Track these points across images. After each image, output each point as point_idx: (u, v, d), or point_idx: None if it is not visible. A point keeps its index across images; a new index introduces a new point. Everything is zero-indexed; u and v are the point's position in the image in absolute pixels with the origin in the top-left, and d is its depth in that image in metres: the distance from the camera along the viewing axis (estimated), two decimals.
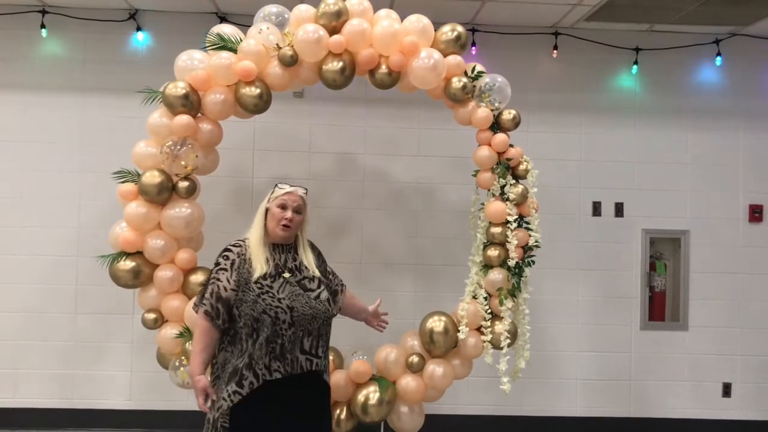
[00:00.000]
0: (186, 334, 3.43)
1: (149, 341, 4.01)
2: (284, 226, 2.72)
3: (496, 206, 3.59)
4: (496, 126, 3.62)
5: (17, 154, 4.47)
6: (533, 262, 3.69)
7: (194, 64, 3.46)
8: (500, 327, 3.58)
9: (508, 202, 3.58)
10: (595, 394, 4.70)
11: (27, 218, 4.46)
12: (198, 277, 3.50)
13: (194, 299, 3.34)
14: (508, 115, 3.61)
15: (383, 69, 3.45)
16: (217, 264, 2.69)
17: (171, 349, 3.50)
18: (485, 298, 3.64)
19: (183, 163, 3.37)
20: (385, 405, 3.57)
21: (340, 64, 3.41)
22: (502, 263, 3.62)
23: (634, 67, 4.70)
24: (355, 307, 3.12)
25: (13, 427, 4.39)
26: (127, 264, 3.44)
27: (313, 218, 2.95)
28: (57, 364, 4.46)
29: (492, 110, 3.58)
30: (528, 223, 3.66)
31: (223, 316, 2.63)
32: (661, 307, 4.82)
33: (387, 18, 3.45)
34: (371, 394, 3.57)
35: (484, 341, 3.60)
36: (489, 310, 3.62)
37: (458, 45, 3.54)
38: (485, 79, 3.58)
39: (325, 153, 4.63)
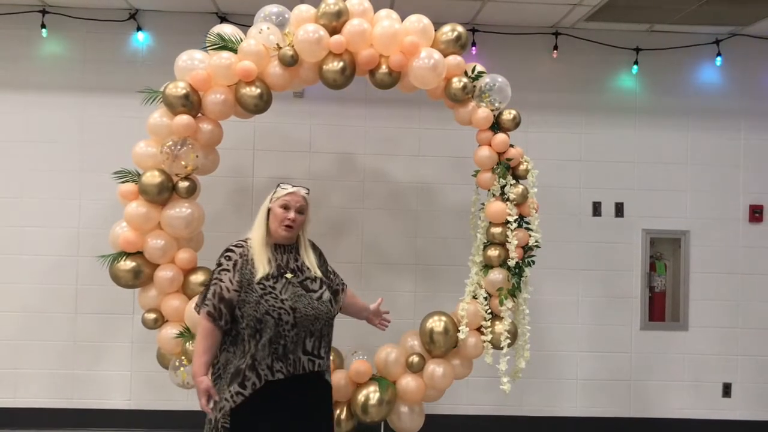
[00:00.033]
0: (186, 334, 3.43)
1: (149, 341, 4.02)
2: (287, 226, 2.72)
3: (496, 206, 3.59)
4: (497, 126, 3.62)
5: (17, 154, 4.47)
6: (533, 262, 3.69)
7: (194, 64, 3.46)
8: (500, 327, 3.58)
9: (508, 202, 3.58)
10: (595, 394, 4.70)
11: (27, 218, 4.46)
12: (198, 277, 3.50)
13: (195, 299, 3.35)
14: (508, 115, 3.61)
15: (383, 69, 3.45)
16: (219, 264, 2.68)
17: (171, 349, 3.50)
18: (485, 298, 3.64)
19: (183, 163, 3.37)
20: (385, 405, 3.57)
21: (341, 64, 3.41)
22: (503, 263, 3.62)
23: (635, 67, 4.70)
24: (356, 305, 3.12)
25: (13, 427, 4.39)
26: (127, 264, 3.44)
27: (313, 218, 2.95)
28: (57, 364, 4.46)
29: (492, 110, 3.58)
30: (528, 223, 3.66)
31: (226, 317, 2.62)
32: (661, 308, 4.82)
33: (387, 18, 3.45)
34: (371, 394, 3.57)
35: (484, 341, 3.60)
36: (489, 310, 3.62)
37: (458, 45, 3.54)
38: (485, 79, 3.58)
39: (325, 153, 4.62)
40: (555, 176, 4.61)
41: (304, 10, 3.47)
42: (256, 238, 2.73)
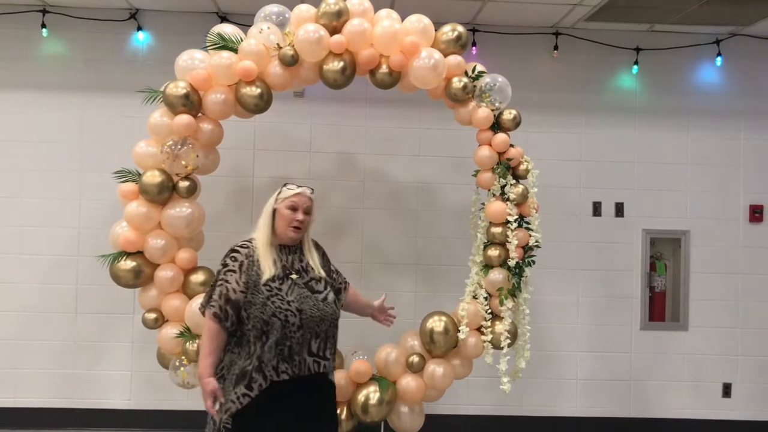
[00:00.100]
0: (186, 334, 3.43)
1: (149, 341, 4.01)
2: (296, 227, 2.71)
3: (496, 206, 3.59)
4: (497, 126, 3.62)
5: (17, 154, 4.47)
6: (533, 262, 3.69)
7: (195, 63, 3.46)
8: (500, 327, 3.58)
9: (508, 202, 3.58)
10: (595, 394, 4.70)
11: (27, 218, 4.46)
12: (198, 277, 3.50)
13: (198, 300, 3.35)
14: (508, 115, 3.61)
15: (384, 69, 3.45)
16: (225, 265, 2.66)
17: (171, 349, 3.50)
18: (485, 298, 3.64)
19: (183, 162, 3.37)
20: (385, 405, 3.57)
21: (341, 63, 3.41)
22: (503, 263, 3.62)
23: (635, 67, 4.70)
24: (359, 303, 3.11)
25: (13, 427, 4.39)
26: (127, 264, 3.44)
27: (316, 218, 2.95)
28: (57, 364, 4.46)
29: (492, 110, 3.58)
30: (528, 223, 3.66)
31: (232, 318, 2.60)
32: (661, 308, 4.82)
33: (387, 18, 3.45)
34: (371, 394, 3.57)
35: (485, 341, 3.60)
36: (489, 310, 3.62)
37: (459, 45, 3.54)
38: (486, 79, 3.59)
39: (325, 153, 4.63)
40: (555, 176, 4.61)
41: (305, 9, 3.47)
42: (261, 238, 2.71)
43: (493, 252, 3.63)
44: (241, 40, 3.43)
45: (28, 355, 4.45)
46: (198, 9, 4.45)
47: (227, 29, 3.48)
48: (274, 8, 3.54)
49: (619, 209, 4.73)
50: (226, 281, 2.61)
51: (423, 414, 3.75)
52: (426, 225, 4.65)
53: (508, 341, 3.56)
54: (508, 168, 3.59)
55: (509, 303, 3.56)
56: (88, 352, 4.47)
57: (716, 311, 4.74)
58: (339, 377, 3.57)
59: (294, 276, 2.69)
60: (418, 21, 3.48)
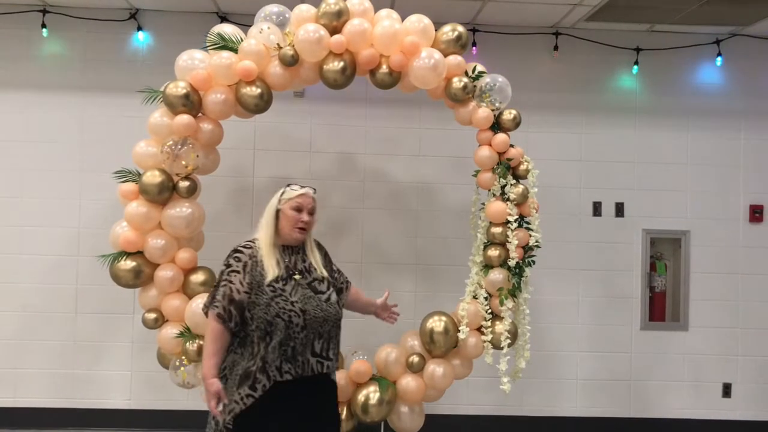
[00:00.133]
0: (186, 334, 3.43)
1: (149, 341, 4.01)
2: (301, 228, 2.71)
3: (496, 206, 3.59)
4: (497, 126, 3.62)
5: (17, 154, 4.47)
6: (533, 262, 3.69)
7: (195, 63, 3.46)
8: (500, 327, 3.58)
9: (508, 202, 3.58)
10: (595, 394, 4.70)
11: (27, 218, 4.46)
12: (198, 277, 3.50)
13: (198, 300, 3.35)
14: (508, 115, 3.61)
15: (384, 69, 3.45)
16: (229, 265, 2.64)
17: (171, 349, 3.50)
18: (486, 298, 3.64)
19: (183, 162, 3.37)
20: (386, 405, 3.57)
21: (341, 63, 3.41)
22: (503, 263, 3.62)
23: (635, 67, 4.70)
24: (362, 301, 3.11)
25: (13, 427, 4.39)
26: (127, 264, 3.44)
27: (317, 218, 2.95)
28: (57, 364, 4.46)
29: (492, 110, 3.58)
30: (528, 223, 3.66)
31: (236, 319, 2.59)
32: (661, 308, 4.82)
33: (388, 18, 3.45)
34: (371, 394, 3.57)
35: (485, 341, 3.60)
36: (489, 310, 3.62)
37: (459, 45, 3.55)
38: (486, 79, 3.59)
39: (325, 153, 4.63)
40: (555, 176, 4.61)
41: (305, 9, 3.47)
42: (264, 239, 2.70)
43: (493, 252, 3.63)
44: (241, 40, 3.43)
45: (28, 355, 4.45)
46: (198, 9, 4.45)
47: (227, 29, 3.48)
48: (274, 8, 3.54)
49: (619, 209, 4.73)
50: (230, 282, 2.60)
51: (423, 414, 3.75)
52: (426, 225, 4.65)
53: (508, 341, 3.56)
54: (508, 168, 3.59)
55: (509, 303, 3.56)
56: (88, 352, 4.47)
57: (716, 311, 4.74)
58: (339, 377, 3.55)
59: (297, 276, 2.68)
60: (418, 21, 3.49)
